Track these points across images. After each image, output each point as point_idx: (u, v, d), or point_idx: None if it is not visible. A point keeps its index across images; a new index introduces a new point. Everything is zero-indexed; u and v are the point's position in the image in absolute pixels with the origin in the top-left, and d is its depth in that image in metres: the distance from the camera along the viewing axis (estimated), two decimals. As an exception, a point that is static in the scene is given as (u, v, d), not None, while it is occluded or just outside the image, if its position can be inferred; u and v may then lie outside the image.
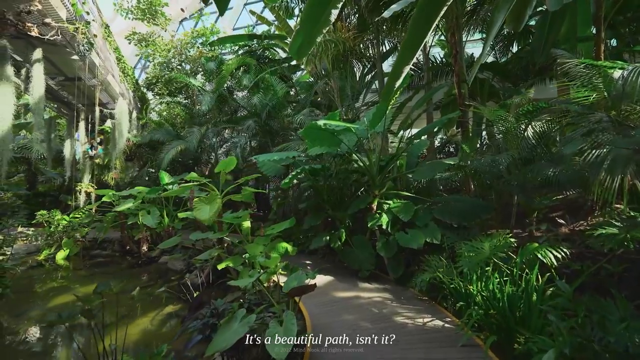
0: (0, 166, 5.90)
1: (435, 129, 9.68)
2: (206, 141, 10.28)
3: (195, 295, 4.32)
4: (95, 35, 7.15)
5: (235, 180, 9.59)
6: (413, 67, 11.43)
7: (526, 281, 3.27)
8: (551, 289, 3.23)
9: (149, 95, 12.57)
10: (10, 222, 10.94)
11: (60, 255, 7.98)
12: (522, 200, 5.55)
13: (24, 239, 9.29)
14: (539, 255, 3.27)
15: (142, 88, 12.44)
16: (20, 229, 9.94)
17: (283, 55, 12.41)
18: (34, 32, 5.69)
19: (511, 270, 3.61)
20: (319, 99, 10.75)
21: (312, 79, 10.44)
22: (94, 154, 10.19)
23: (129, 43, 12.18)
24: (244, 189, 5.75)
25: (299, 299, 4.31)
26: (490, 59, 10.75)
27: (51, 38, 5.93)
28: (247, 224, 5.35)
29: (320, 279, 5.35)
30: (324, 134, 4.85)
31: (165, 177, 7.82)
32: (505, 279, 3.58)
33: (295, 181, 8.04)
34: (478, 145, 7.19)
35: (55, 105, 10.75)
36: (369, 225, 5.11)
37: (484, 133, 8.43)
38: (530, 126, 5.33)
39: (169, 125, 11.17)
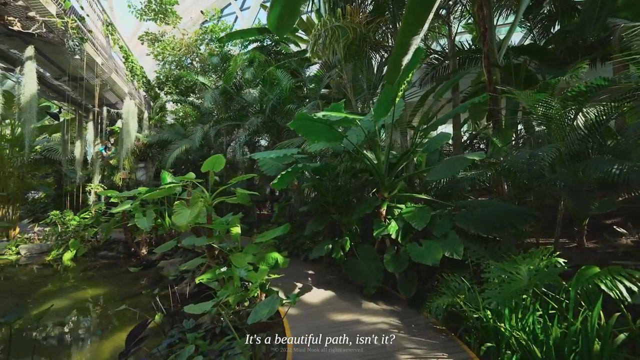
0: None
1: (462, 121, 8.60)
2: (219, 139, 9.95)
3: (153, 318, 3.71)
4: (90, 31, 6.97)
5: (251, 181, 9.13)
6: (436, 56, 10.37)
7: (583, 321, 2.35)
8: (624, 334, 2.27)
9: (162, 95, 12.54)
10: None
11: (67, 256, 7.93)
12: (570, 205, 4.49)
13: (40, 238, 9.47)
14: (603, 287, 2.32)
15: (154, 88, 12.45)
16: (37, 228, 10.19)
17: (296, 49, 11.83)
18: (17, 27, 5.52)
19: (559, 301, 2.67)
20: (334, 93, 10.02)
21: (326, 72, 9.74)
22: (107, 155, 10.21)
23: (142, 43, 12.25)
24: (237, 191, 5.18)
25: (287, 323, 3.63)
26: (527, 43, 9.43)
27: (35, 32, 5.73)
28: (236, 229, 4.76)
29: (319, 295, 4.63)
30: (318, 127, 4.12)
31: (167, 177, 7.47)
32: (551, 312, 2.66)
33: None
34: (512, 139, 6.09)
35: (74, 108, 10.95)
36: (374, 234, 4.31)
37: (519, 126, 7.27)
38: (581, 112, 4.26)
39: (179, 125, 11.00)
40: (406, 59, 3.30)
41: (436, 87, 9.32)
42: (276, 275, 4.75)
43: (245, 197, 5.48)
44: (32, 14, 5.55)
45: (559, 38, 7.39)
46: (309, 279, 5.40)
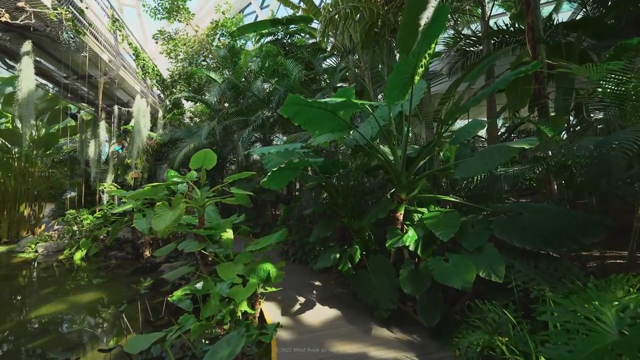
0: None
1: (498, 109, 7.48)
2: (232, 136, 9.58)
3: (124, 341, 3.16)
4: (91, 24, 6.78)
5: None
6: (468, 41, 9.24)
7: None
8: None
9: (175, 92, 12.47)
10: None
11: (78, 256, 7.86)
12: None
13: (59, 236, 9.60)
14: None
15: (169, 87, 12.40)
16: (56, 226, 10.40)
17: (311, 41, 11.19)
18: (4, 18, 5.35)
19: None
20: (352, 84, 9.28)
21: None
22: (123, 154, 10.20)
23: (156, 42, 12.24)
24: (233, 190, 4.60)
25: (274, 353, 2.95)
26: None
27: (23, 22, 5.54)
28: (227, 235, 4.16)
29: (323, 314, 3.91)
30: (318, 114, 3.41)
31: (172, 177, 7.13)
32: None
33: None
34: (565, 128, 4.99)
35: (93, 109, 11.12)
36: (386, 245, 3.51)
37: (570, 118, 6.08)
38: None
39: (191, 123, 10.79)
40: (425, 17, 2.47)
41: (467, 74, 8.24)
42: (274, 289, 4.10)
43: (243, 197, 4.90)
44: (21, 4, 5.39)
45: (624, 4, 6.07)
46: (314, 292, 4.69)
